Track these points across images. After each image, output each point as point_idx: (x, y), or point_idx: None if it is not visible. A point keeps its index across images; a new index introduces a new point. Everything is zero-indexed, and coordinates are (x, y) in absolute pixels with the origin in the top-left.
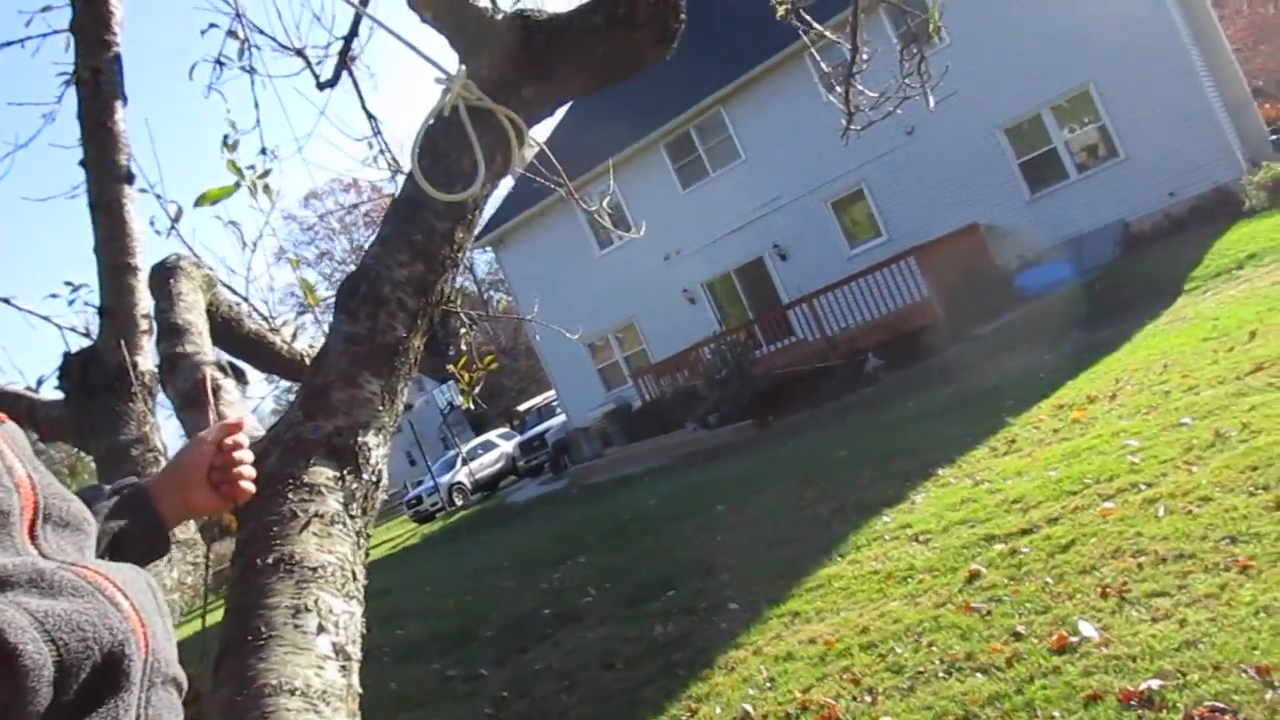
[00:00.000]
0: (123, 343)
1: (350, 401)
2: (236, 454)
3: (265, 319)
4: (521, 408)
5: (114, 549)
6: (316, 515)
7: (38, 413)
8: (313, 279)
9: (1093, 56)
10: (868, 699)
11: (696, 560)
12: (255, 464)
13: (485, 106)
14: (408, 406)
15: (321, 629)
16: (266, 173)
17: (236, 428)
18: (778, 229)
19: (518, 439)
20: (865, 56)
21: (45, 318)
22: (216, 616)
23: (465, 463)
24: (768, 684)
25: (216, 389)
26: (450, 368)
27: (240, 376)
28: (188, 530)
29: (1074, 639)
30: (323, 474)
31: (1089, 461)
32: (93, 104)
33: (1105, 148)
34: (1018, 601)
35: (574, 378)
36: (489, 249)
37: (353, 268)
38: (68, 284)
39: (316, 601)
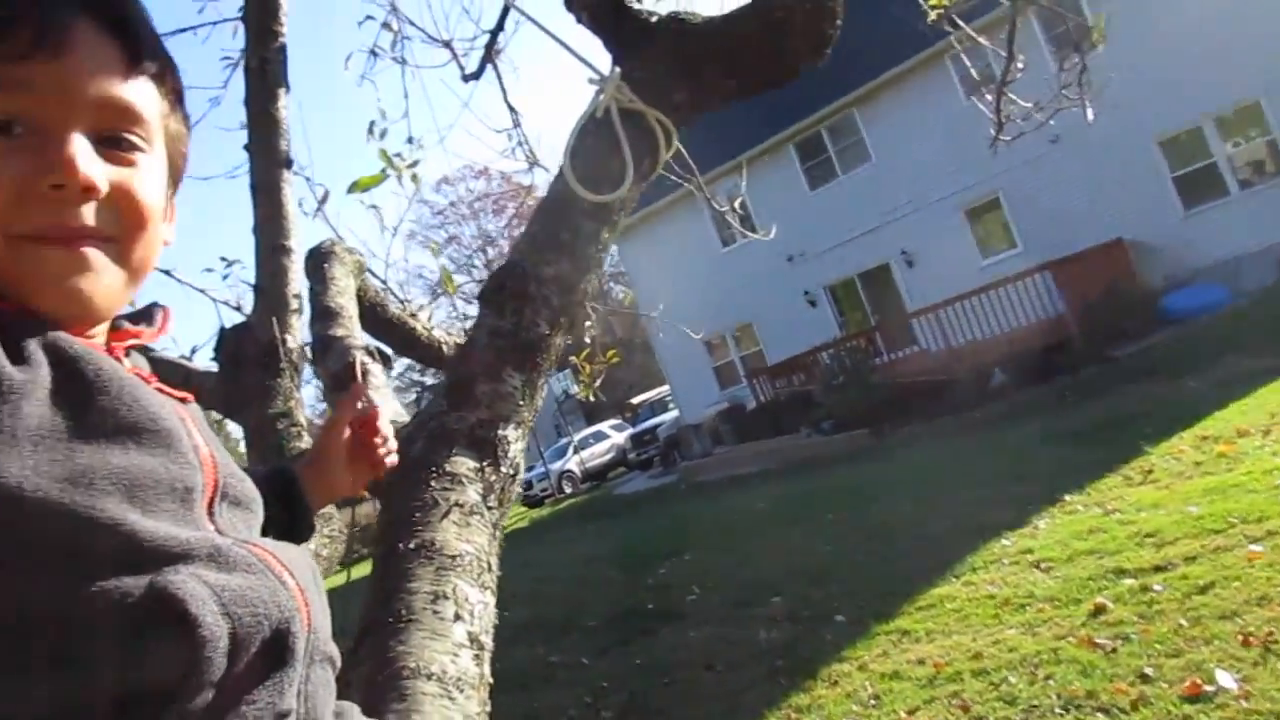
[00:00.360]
0: (274, 320)
1: (493, 395)
2: (375, 438)
3: (401, 303)
4: (635, 400)
5: (262, 530)
6: (457, 504)
7: (193, 382)
8: (440, 263)
9: (1267, 68)
10: None
11: (804, 568)
12: (400, 449)
13: (637, 109)
14: None
15: (458, 617)
16: (415, 163)
17: (371, 418)
18: (907, 235)
19: (629, 431)
20: (1020, 65)
21: (201, 291)
22: (334, 581)
23: (576, 451)
24: (872, 701)
25: (365, 372)
26: (572, 359)
27: (386, 361)
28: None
29: (1209, 688)
30: (464, 464)
31: (1235, 499)
32: (258, 91)
33: (1274, 164)
34: (1147, 641)
35: (689, 374)
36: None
37: (479, 254)
38: (223, 259)
39: (454, 590)
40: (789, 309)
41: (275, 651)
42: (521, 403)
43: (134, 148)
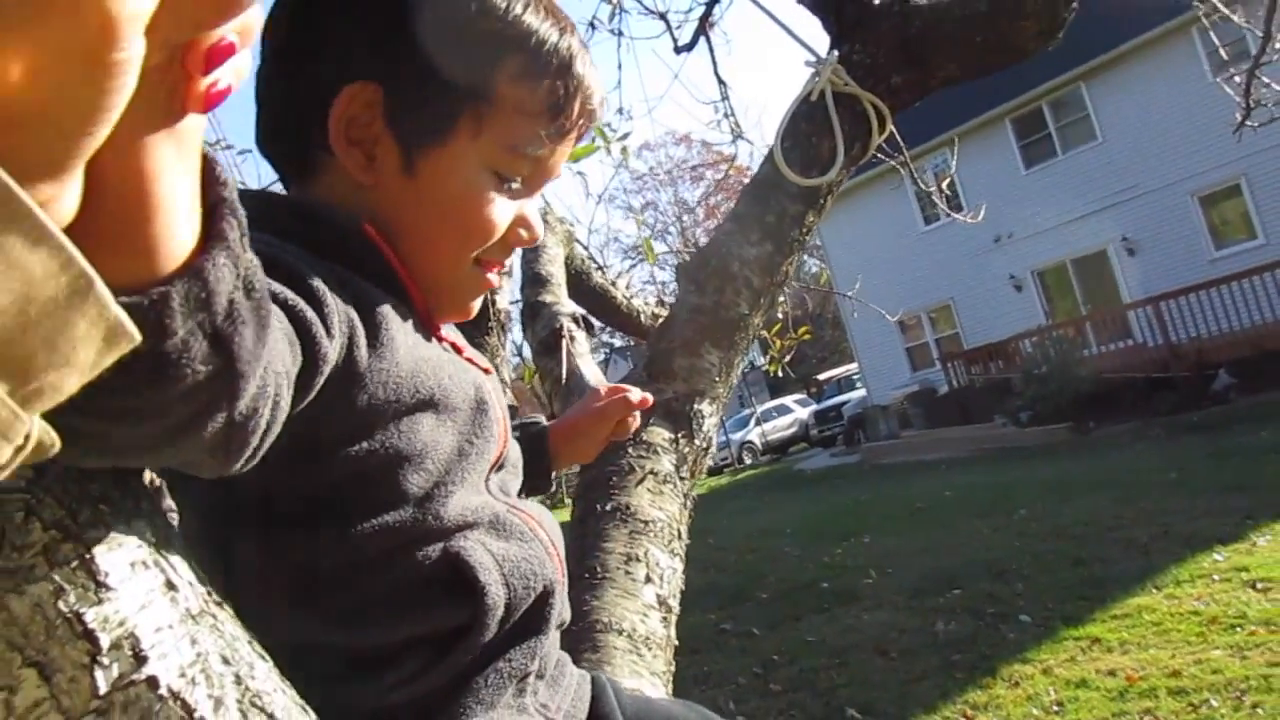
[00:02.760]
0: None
1: (691, 369)
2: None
3: (600, 269)
4: (821, 377)
5: None
6: (651, 472)
7: None
8: (635, 228)
9: None
10: None
11: (989, 562)
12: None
13: (852, 92)
14: None
15: (649, 579)
16: (626, 135)
17: (635, 403)
18: (1129, 220)
19: (813, 407)
20: (1279, 45)
21: None
22: None
23: (759, 423)
24: (1055, 707)
25: (571, 339)
26: (763, 332)
27: (590, 328)
28: None
29: None
30: (660, 434)
31: None
32: None
33: None
34: None
35: (879, 353)
36: None
37: (676, 221)
38: None
39: (646, 553)
40: (992, 292)
41: (535, 617)
42: (718, 379)
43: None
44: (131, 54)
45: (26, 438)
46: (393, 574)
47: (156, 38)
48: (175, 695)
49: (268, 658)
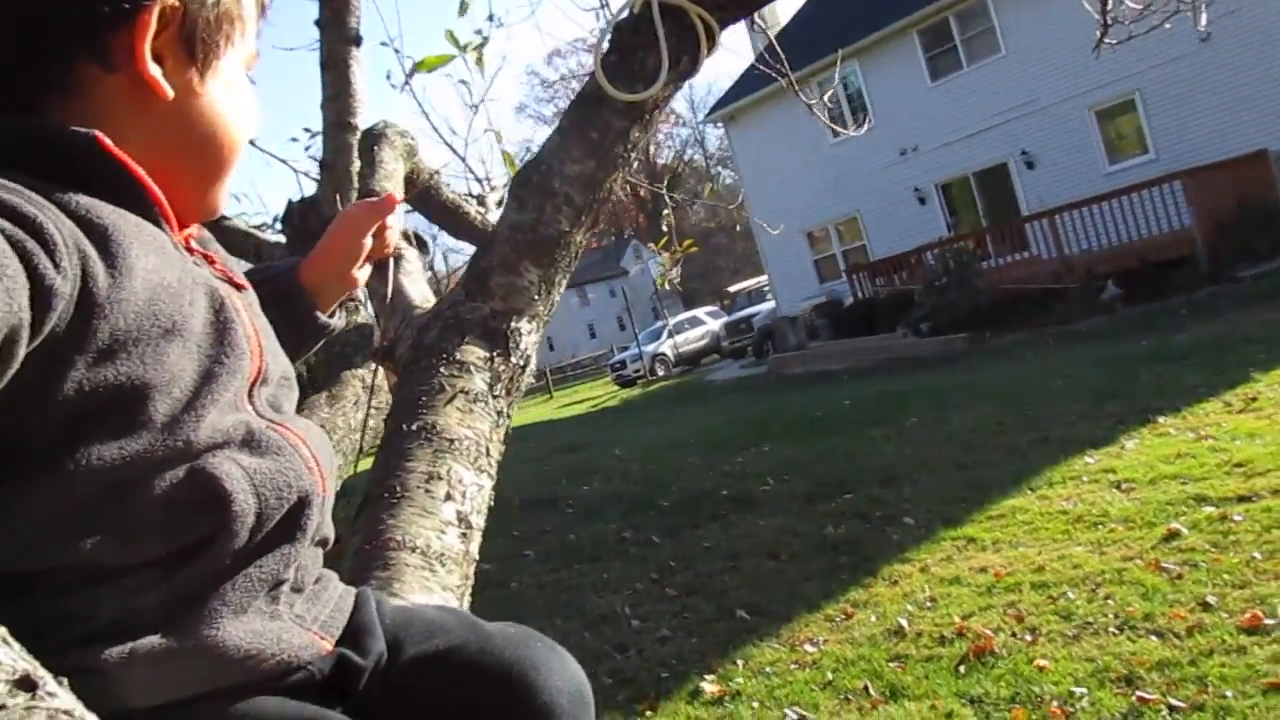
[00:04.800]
0: (338, 196)
1: (509, 287)
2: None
3: (479, 181)
4: (733, 289)
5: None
6: (462, 391)
7: (262, 251)
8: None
9: None
10: (1028, 638)
11: (879, 468)
12: (418, 335)
13: (678, 4)
14: (623, 272)
15: (449, 497)
16: (483, 43)
17: (388, 205)
18: (1029, 134)
19: (725, 319)
20: None
21: (283, 161)
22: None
23: (671, 335)
24: (928, 603)
25: (399, 256)
26: (650, 245)
27: (423, 246)
28: (379, 376)
29: (1269, 621)
30: (474, 353)
31: None
32: None
33: None
34: (1215, 570)
35: (788, 265)
36: (720, 125)
37: None
38: (306, 130)
39: (449, 471)
40: (897, 205)
41: (289, 527)
42: (536, 297)
43: None
44: None
45: None
46: (141, 498)
47: None
48: None
49: None
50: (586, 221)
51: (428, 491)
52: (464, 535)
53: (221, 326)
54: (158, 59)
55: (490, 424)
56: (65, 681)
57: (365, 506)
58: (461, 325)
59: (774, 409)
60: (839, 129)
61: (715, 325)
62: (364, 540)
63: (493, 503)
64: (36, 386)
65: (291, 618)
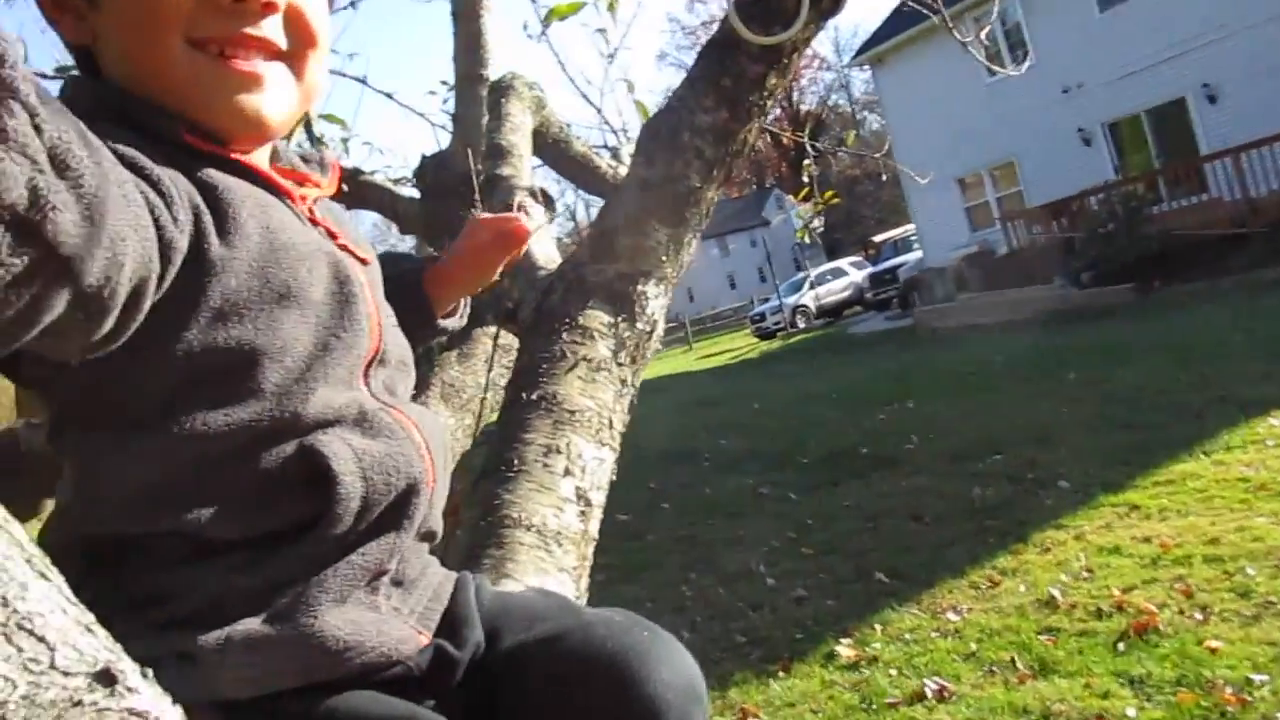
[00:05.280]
0: (469, 150)
1: (635, 249)
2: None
3: (614, 131)
4: (878, 238)
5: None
6: (584, 359)
7: (398, 206)
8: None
9: None
10: (1198, 616)
11: (1033, 427)
12: (541, 297)
13: None
14: (764, 223)
15: (568, 472)
16: None
17: (518, 240)
18: (1214, 65)
19: (869, 270)
20: None
21: (421, 114)
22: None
23: (813, 286)
24: (1084, 573)
25: (525, 214)
26: (790, 198)
27: (549, 203)
28: (509, 336)
29: None
30: (597, 318)
31: None
32: None
33: None
34: None
35: (937, 214)
36: (866, 67)
37: None
38: (443, 83)
39: (568, 444)
40: (1058, 147)
41: (395, 515)
42: (664, 258)
43: None
44: None
45: None
46: (246, 470)
47: None
48: None
49: (53, 575)
50: (719, 176)
51: (546, 466)
52: (582, 513)
53: (344, 299)
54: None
55: (613, 394)
56: (150, 673)
57: (482, 479)
58: (585, 288)
59: (919, 363)
60: (996, 68)
61: (858, 276)
62: (479, 515)
63: (630, 454)
64: (149, 345)
65: (390, 609)
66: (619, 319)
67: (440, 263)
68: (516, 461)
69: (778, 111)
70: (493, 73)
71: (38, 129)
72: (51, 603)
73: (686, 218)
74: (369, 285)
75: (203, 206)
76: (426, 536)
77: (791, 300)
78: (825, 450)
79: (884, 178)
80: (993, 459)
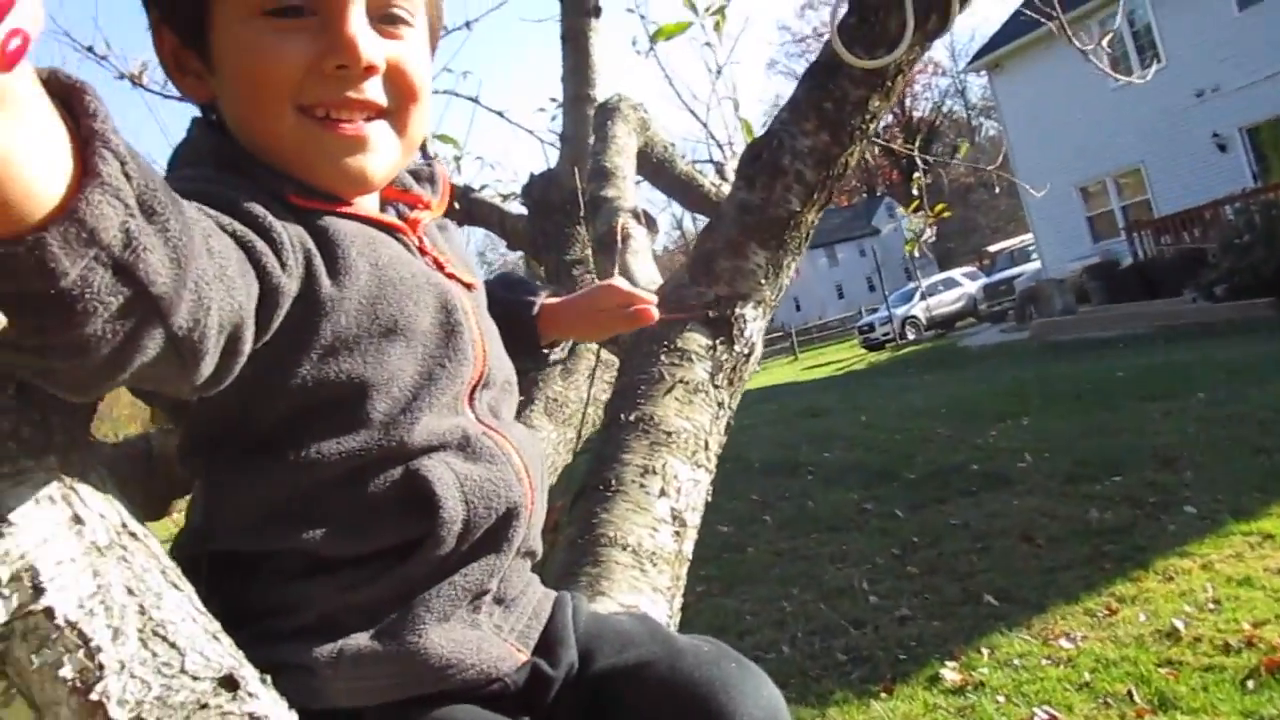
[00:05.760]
0: (576, 169)
1: (734, 271)
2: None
3: (720, 146)
4: (992, 248)
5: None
6: (681, 381)
7: (506, 223)
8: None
9: None
10: None
11: (1156, 449)
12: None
13: None
14: (874, 231)
15: (664, 493)
16: (720, 9)
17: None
18: None
19: (983, 280)
20: None
21: (530, 131)
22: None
23: (924, 297)
24: (1210, 605)
25: (627, 236)
26: (899, 212)
27: (652, 224)
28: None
29: None
30: (696, 341)
31: None
32: None
33: None
34: None
35: (1057, 223)
36: (983, 73)
37: None
38: (552, 100)
39: (664, 465)
40: (1191, 154)
41: (495, 537)
42: (763, 281)
43: (403, 22)
44: None
45: None
46: (356, 493)
47: None
48: (72, 625)
49: (184, 586)
50: (819, 199)
51: (642, 486)
52: (677, 534)
53: (449, 329)
54: (187, 63)
55: (710, 416)
56: (269, 680)
57: (580, 498)
58: (684, 310)
59: (1035, 378)
60: (1120, 77)
61: (972, 287)
62: (577, 533)
63: (731, 466)
64: (267, 379)
65: (490, 627)
66: (717, 341)
67: (557, 303)
68: (614, 481)
69: (889, 119)
70: (600, 93)
71: (127, 176)
72: (183, 611)
73: (786, 241)
74: (474, 311)
75: (314, 250)
76: (527, 555)
77: (901, 311)
78: (933, 466)
79: (996, 191)
80: (1112, 480)
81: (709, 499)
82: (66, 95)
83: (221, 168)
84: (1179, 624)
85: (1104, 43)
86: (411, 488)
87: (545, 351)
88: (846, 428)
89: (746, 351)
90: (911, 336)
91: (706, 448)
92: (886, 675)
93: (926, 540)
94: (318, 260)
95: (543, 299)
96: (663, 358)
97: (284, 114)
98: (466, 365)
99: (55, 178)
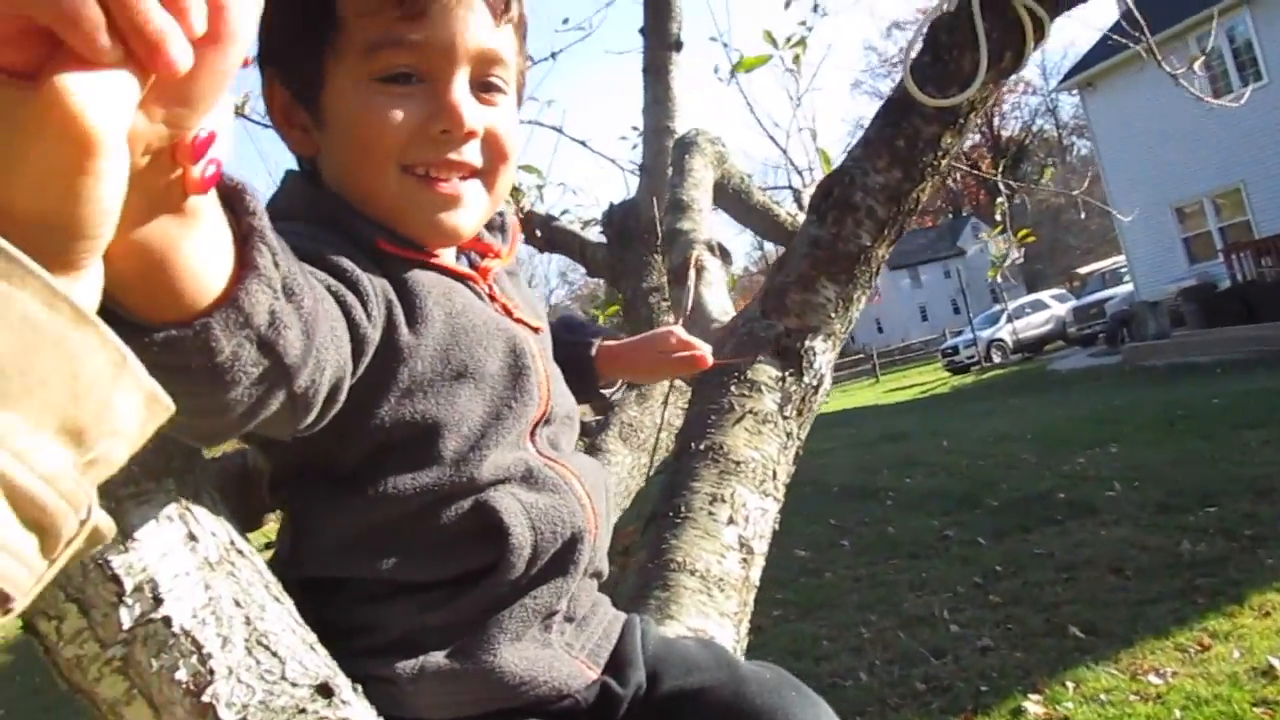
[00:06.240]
0: (655, 199)
1: (804, 305)
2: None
3: (800, 172)
4: (1083, 270)
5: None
6: (750, 412)
7: (586, 251)
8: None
9: None
10: None
11: (1254, 479)
12: (711, 351)
13: None
14: (959, 253)
15: (731, 520)
16: (800, 41)
17: (698, 366)
18: None
19: (1073, 303)
20: None
21: (611, 160)
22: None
23: (1010, 319)
24: None
25: (701, 269)
26: (982, 235)
27: (726, 256)
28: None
29: None
30: (766, 372)
31: None
32: None
33: None
34: None
35: (1151, 244)
36: (1075, 91)
37: None
38: (635, 129)
39: (733, 494)
40: None
41: (562, 562)
42: (833, 315)
43: (499, 90)
44: (113, 165)
45: (89, 512)
46: (431, 524)
47: (138, 145)
48: (187, 633)
49: (285, 600)
50: (890, 235)
51: (710, 514)
52: (744, 560)
53: (517, 372)
54: (295, 117)
55: (778, 446)
56: (360, 689)
57: (651, 523)
58: (755, 342)
59: (1127, 404)
60: (1213, 100)
61: (1061, 310)
62: (647, 558)
63: (810, 490)
64: (348, 420)
65: (562, 645)
66: (786, 373)
67: (615, 346)
68: (683, 508)
69: (976, 138)
70: (680, 124)
71: (276, 265)
72: (284, 623)
73: (855, 276)
74: (540, 354)
75: (395, 300)
76: (594, 576)
77: (987, 333)
78: (1018, 494)
79: (1083, 214)
80: (1205, 511)
81: (777, 527)
82: (229, 194)
83: (312, 221)
84: (1275, 662)
85: (1196, 66)
86: (482, 518)
87: (604, 391)
88: (928, 453)
89: (815, 383)
90: (997, 360)
91: (774, 477)
92: (967, 706)
93: (1010, 569)
94: (398, 310)
95: (600, 342)
96: (733, 388)
97: (389, 172)
98: (532, 405)
99: (220, 269)
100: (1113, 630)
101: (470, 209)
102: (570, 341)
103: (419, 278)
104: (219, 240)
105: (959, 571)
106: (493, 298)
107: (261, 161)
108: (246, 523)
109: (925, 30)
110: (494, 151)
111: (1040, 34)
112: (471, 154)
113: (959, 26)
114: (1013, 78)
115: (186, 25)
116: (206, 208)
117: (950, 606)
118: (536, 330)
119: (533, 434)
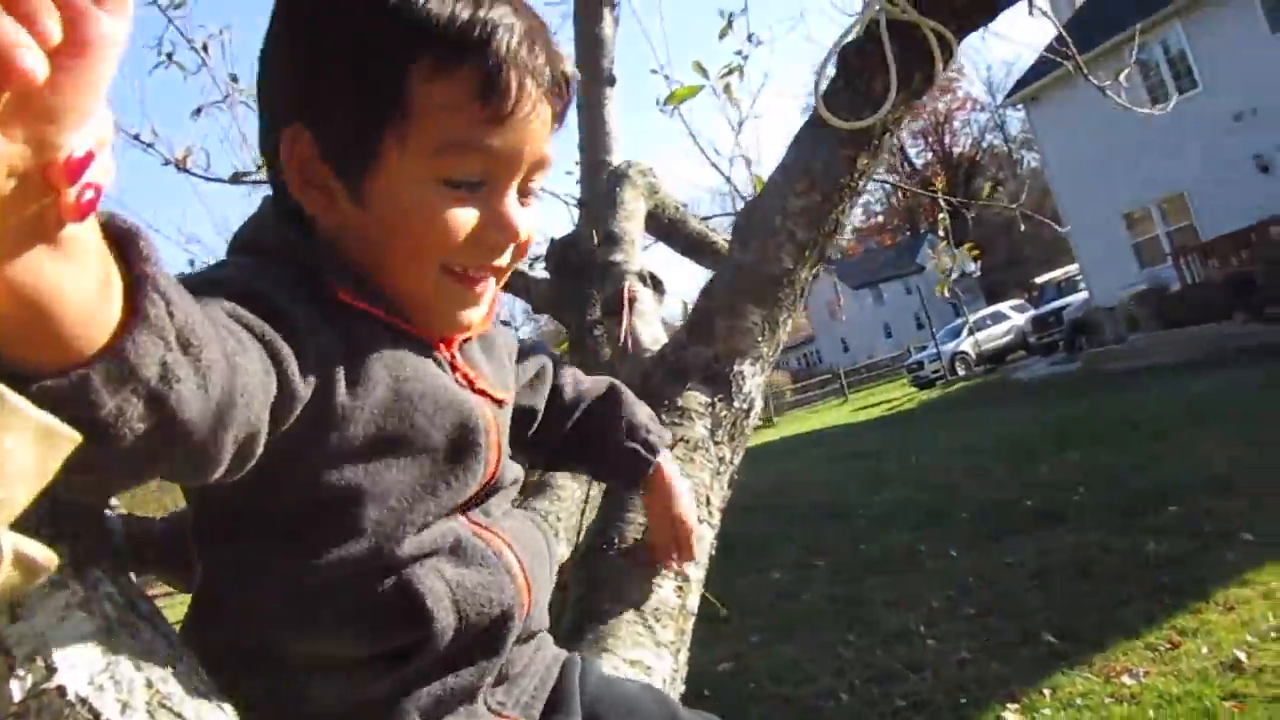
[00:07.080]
0: (594, 232)
1: (730, 330)
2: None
3: (742, 198)
4: (1039, 279)
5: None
6: (682, 440)
7: (531, 287)
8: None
9: None
10: None
11: (1213, 477)
12: (643, 380)
13: (909, 19)
14: (918, 269)
15: None
16: (732, 71)
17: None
18: None
19: (1031, 313)
20: None
21: (554, 194)
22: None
23: (972, 332)
24: (1273, 634)
25: (633, 300)
26: (930, 251)
27: (658, 286)
28: None
29: None
30: (695, 399)
31: None
32: (585, 9)
33: None
34: None
35: (1102, 251)
36: (1020, 106)
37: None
38: (577, 163)
39: None
40: (1233, 176)
41: (490, 640)
42: (760, 339)
43: (535, 195)
44: None
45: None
46: (350, 599)
47: (2, 170)
48: (83, 701)
49: (188, 659)
50: (812, 257)
51: (644, 544)
52: (679, 589)
53: (463, 446)
54: (319, 181)
55: (710, 472)
56: None
57: (586, 556)
58: (684, 370)
59: (1087, 410)
60: (1141, 109)
61: (1020, 320)
62: (582, 592)
63: (782, 512)
64: (271, 470)
65: (494, 704)
66: (716, 399)
67: (656, 499)
68: (617, 539)
69: (929, 155)
70: (616, 158)
71: (170, 315)
72: (189, 684)
73: (780, 299)
74: (495, 427)
75: (339, 359)
76: (528, 639)
77: (950, 347)
78: (985, 504)
79: (1047, 213)
80: (1168, 511)
81: (714, 552)
82: (121, 238)
83: (279, 263)
84: (1241, 655)
85: (1122, 77)
86: (404, 598)
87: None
88: (897, 468)
89: (746, 407)
90: (962, 373)
91: (708, 503)
92: None
93: (982, 580)
94: (340, 370)
95: (654, 474)
96: (663, 417)
97: (431, 270)
98: (474, 482)
99: (105, 317)
100: (1085, 634)
101: (485, 302)
102: (630, 449)
103: (372, 337)
104: (104, 285)
105: (933, 585)
106: (454, 366)
107: (208, 216)
108: (189, 583)
109: (836, 55)
110: (519, 251)
111: (948, 55)
112: (508, 256)
113: (868, 50)
114: (960, 95)
115: (37, 33)
116: (88, 245)
117: (926, 621)
118: (500, 402)
119: (469, 503)
